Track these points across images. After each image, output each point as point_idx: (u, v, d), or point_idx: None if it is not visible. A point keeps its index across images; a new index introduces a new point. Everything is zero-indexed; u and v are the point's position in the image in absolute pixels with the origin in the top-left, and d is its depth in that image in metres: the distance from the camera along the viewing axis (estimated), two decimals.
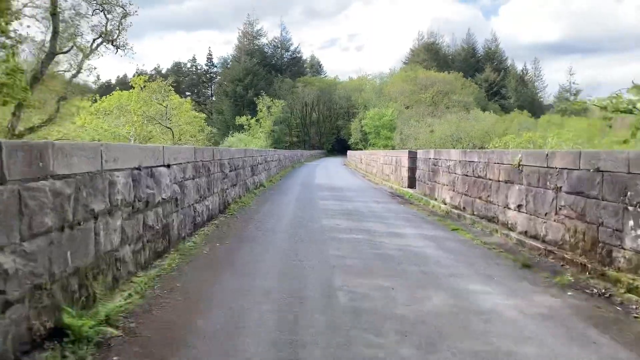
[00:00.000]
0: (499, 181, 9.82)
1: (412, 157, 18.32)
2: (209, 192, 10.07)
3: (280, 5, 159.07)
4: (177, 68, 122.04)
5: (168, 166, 7.16)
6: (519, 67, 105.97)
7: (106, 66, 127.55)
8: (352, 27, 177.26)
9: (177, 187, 7.60)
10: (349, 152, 72.03)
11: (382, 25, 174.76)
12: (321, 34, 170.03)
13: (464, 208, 11.84)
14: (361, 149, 73.02)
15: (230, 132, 78.15)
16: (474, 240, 8.89)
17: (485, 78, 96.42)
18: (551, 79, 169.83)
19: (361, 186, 22.19)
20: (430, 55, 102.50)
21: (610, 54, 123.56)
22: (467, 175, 11.72)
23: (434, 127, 55.50)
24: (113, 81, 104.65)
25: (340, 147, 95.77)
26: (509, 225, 9.25)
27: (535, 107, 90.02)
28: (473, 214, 11.13)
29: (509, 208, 9.29)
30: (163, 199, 6.84)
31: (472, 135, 47.93)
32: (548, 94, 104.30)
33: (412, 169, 18.43)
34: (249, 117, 70.55)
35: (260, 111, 72.06)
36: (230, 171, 12.99)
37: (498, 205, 9.82)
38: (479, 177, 10.88)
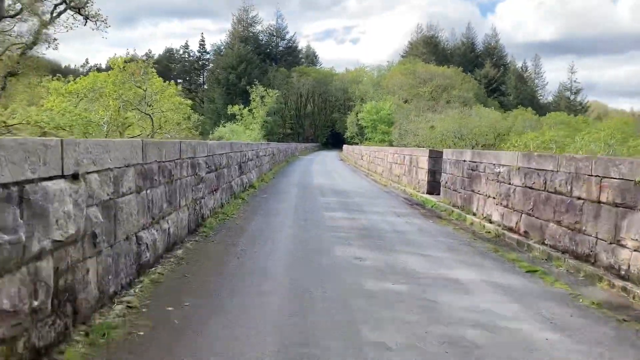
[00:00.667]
0: (599, 202, 6.61)
1: (435, 157, 15.11)
2: (171, 206, 6.75)
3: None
4: (169, 54, 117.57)
5: (75, 177, 3.83)
6: (518, 64, 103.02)
7: (98, 51, 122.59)
8: (348, 20, 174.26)
9: (98, 212, 4.27)
10: (345, 146, 68.85)
11: (378, 18, 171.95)
12: (317, 25, 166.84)
13: (525, 233, 8.63)
14: (357, 143, 69.91)
15: (222, 121, 74.72)
16: (576, 296, 5.69)
17: (485, 74, 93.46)
18: (547, 78, 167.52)
19: (369, 189, 19.01)
20: (429, 48, 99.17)
21: (605, 55, 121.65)
22: (531, 188, 8.51)
23: (434, 123, 52.47)
24: (103, 65, 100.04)
25: (334, 141, 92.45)
26: (623, 272, 6.04)
27: (534, 105, 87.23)
28: (544, 243, 7.94)
29: (624, 245, 6.08)
30: (57, 241, 3.52)
31: (476, 133, 44.87)
32: (548, 92, 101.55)
33: (434, 172, 15.22)
34: (242, 106, 67.08)
35: (254, 101, 68.59)
36: (209, 172, 9.69)
37: (598, 239, 6.61)
38: (558, 192, 7.66)
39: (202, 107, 77.90)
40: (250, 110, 68.89)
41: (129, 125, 28.73)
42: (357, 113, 72.84)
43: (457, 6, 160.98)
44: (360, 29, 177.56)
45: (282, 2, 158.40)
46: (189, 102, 33.65)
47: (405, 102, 73.22)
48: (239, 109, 67.14)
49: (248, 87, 69.89)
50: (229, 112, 68.50)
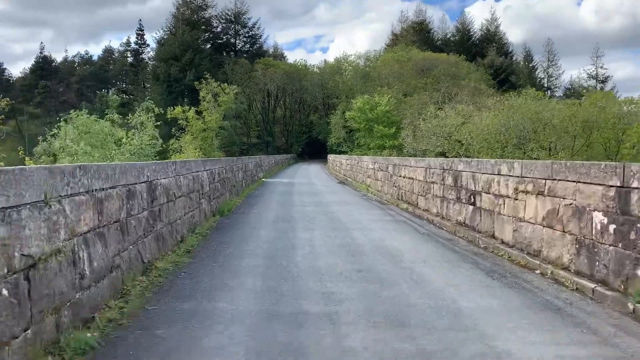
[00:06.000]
0: None
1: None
2: None
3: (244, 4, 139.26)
4: (107, 54, 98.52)
5: None
6: (518, 53, 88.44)
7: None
8: (317, 28, 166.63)
9: None
10: (331, 157, 51.58)
11: (348, 26, 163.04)
12: (286, 34, 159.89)
13: None
14: (346, 152, 52.60)
15: (164, 127, 56.22)
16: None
17: (490, 62, 78.57)
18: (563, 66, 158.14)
19: None
20: (421, 36, 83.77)
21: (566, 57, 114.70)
22: None
23: (469, 119, 35.78)
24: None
25: (312, 150, 75.28)
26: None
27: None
28: None
29: None
30: None
31: (559, 129, 28.32)
32: (564, 82, 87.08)
33: None
34: (187, 107, 48.64)
35: (204, 100, 50.30)
36: None
37: None
38: None
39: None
40: (199, 113, 50.37)
41: None
42: (344, 112, 55.56)
43: (427, 12, 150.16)
44: (329, 37, 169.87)
45: (251, 11, 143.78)
46: None
47: (405, 95, 56.39)
48: (183, 111, 48.61)
49: (196, 83, 51.75)
50: (168, 117, 49.68)
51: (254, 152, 61.52)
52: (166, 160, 7.27)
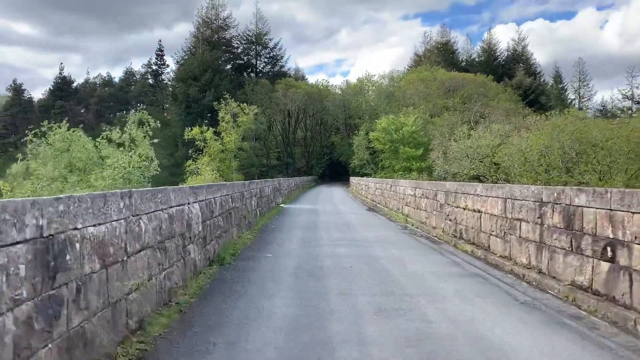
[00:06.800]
0: None
1: None
2: None
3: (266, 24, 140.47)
4: (127, 75, 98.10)
5: None
6: (546, 73, 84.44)
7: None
8: (339, 52, 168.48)
9: None
10: (354, 179, 48.40)
11: (369, 50, 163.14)
12: (309, 59, 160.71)
13: None
14: (369, 175, 49.31)
15: (178, 150, 53.89)
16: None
17: (518, 83, 74.88)
18: (595, 87, 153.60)
19: None
20: (445, 56, 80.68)
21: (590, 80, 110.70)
22: None
23: (509, 139, 32.49)
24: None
25: (333, 172, 72.10)
26: None
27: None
28: None
29: None
30: None
31: (614, 150, 24.44)
32: (596, 103, 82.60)
33: None
34: (205, 128, 46.51)
35: (223, 120, 48.19)
36: None
37: None
38: None
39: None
40: (217, 134, 48.22)
41: None
42: (367, 133, 52.48)
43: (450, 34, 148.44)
44: (350, 61, 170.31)
45: (275, 36, 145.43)
46: None
47: (432, 116, 53.05)
48: (200, 132, 46.60)
49: (215, 103, 49.65)
50: (186, 138, 47.86)
51: (274, 174, 58.63)
52: (114, 191, 3.98)
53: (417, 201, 15.20)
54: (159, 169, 16.27)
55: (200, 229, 7.13)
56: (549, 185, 18.31)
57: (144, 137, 15.45)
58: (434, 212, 13.06)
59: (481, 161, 31.09)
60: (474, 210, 9.99)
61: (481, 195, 9.67)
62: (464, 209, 10.62)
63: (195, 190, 6.94)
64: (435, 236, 12.26)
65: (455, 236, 11.14)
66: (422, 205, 14.39)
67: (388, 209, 20.40)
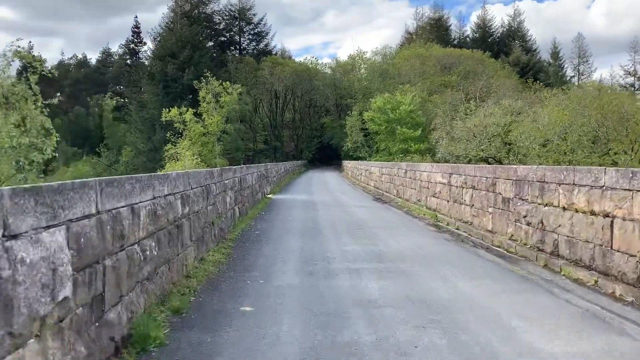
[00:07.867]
0: None
1: None
2: None
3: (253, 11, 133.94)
4: (105, 56, 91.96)
5: None
6: (543, 49, 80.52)
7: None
8: (326, 35, 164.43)
9: None
10: (349, 163, 44.14)
11: (356, 32, 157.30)
12: (295, 41, 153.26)
13: None
14: (364, 158, 45.08)
15: (156, 133, 48.82)
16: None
17: (515, 60, 70.71)
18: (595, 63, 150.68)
19: None
20: (439, 33, 76.05)
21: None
22: None
23: (521, 116, 28.59)
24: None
25: (324, 156, 67.75)
26: None
27: None
28: None
29: None
30: None
31: None
32: (596, 80, 78.87)
33: None
34: (184, 109, 41.67)
35: (204, 100, 43.32)
36: None
37: None
38: None
39: (130, 117, 52.28)
40: (198, 115, 43.31)
41: None
42: (361, 113, 48.07)
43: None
44: (337, 43, 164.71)
45: (259, 16, 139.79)
46: None
47: (430, 94, 48.76)
48: (179, 113, 41.75)
49: (196, 82, 44.61)
50: (163, 119, 42.88)
51: (261, 158, 54.18)
52: None
53: (454, 192, 11.09)
54: (56, 147, 11.33)
55: (68, 292, 2.86)
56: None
57: (33, 94, 10.73)
58: (490, 210, 8.97)
59: (490, 141, 27.16)
60: (594, 213, 5.86)
61: (615, 189, 5.52)
62: (565, 208, 6.49)
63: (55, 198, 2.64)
64: (499, 246, 8.17)
65: (542, 250, 7.07)
66: (466, 198, 10.28)
67: (402, 199, 16.27)
